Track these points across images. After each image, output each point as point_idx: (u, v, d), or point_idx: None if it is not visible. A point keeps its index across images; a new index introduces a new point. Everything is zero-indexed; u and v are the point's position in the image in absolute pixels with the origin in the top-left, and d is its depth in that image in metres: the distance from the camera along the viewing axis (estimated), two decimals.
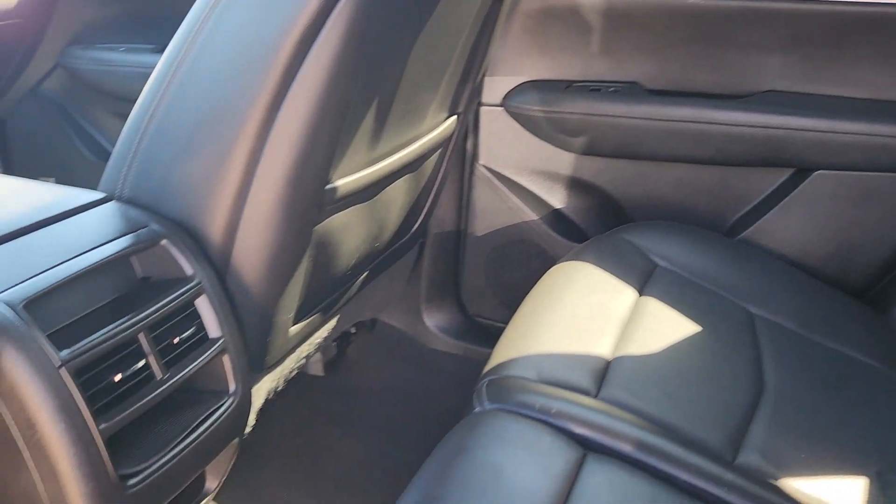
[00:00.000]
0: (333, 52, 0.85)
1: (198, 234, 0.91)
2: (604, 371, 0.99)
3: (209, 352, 0.87)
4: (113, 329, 0.76)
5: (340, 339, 1.68)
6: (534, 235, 1.59)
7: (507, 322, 1.13)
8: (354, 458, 1.47)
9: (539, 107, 1.48)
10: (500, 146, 1.56)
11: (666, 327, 1.10)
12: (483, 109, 1.55)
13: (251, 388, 0.96)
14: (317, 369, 1.65)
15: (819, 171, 1.40)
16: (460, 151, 1.58)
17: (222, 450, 0.92)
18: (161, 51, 0.95)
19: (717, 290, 1.24)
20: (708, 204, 1.49)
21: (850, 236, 1.42)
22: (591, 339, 1.04)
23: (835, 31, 1.35)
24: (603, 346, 1.03)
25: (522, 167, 1.57)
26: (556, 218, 1.59)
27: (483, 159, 1.58)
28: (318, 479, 1.41)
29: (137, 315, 0.79)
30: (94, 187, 0.96)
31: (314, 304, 1.16)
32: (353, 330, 1.71)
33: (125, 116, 0.95)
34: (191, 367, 0.84)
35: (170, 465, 0.81)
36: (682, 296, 1.19)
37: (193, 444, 0.84)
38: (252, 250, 0.92)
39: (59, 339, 0.73)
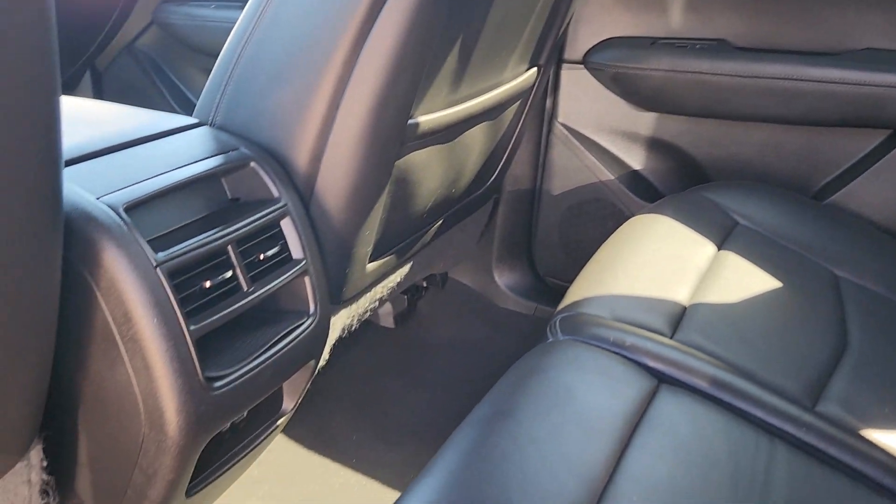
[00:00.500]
0: None
1: (284, 160, 0.94)
2: (679, 316, 0.97)
3: (292, 271, 0.90)
4: (205, 238, 0.80)
5: (411, 293, 1.71)
6: (609, 195, 1.57)
7: None
8: (422, 408, 1.49)
9: (621, 63, 1.46)
10: (579, 105, 1.55)
11: (746, 281, 1.08)
12: (564, 67, 1.54)
13: (329, 316, 0.99)
14: (388, 322, 1.68)
15: None
16: (539, 109, 1.58)
17: (300, 368, 0.95)
18: None
19: (801, 250, 1.20)
20: (794, 167, 1.45)
21: None
22: (667, 285, 1.02)
23: None
24: (679, 293, 1.02)
25: (601, 126, 1.55)
26: (633, 178, 1.57)
27: (561, 117, 1.57)
28: (386, 424, 1.44)
29: (227, 228, 0.83)
30: None
31: (391, 245, 1.19)
32: (424, 284, 1.74)
33: None
34: (274, 283, 0.87)
35: (252, 374, 0.84)
36: (763, 253, 1.16)
37: (274, 358, 0.87)
38: (335, 178, 0.95)
39: (156, 244, 0.77)
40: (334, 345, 1.23)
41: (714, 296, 1.02)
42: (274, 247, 0.89)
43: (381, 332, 1.69)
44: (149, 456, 0.79)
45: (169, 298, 0.74)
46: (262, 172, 0.90)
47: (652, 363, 0.84)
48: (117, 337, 0.74)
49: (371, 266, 1.13)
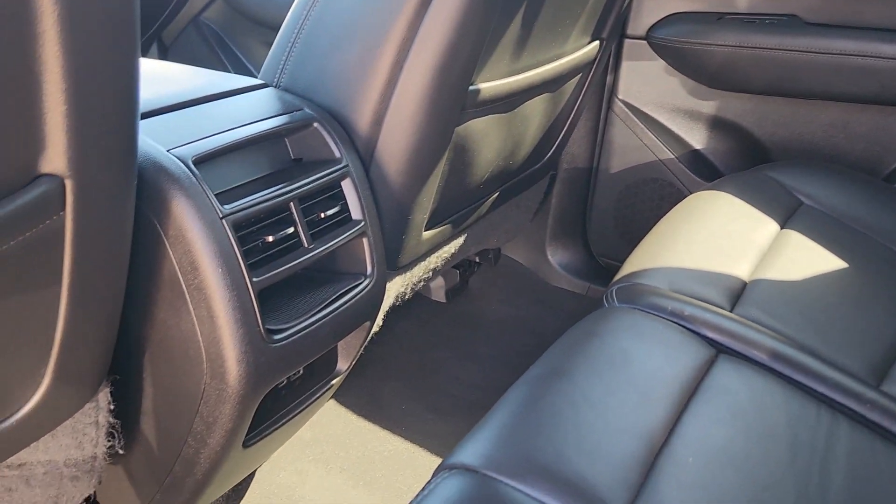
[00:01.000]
0: None
1: (347, 122, 0.95)
2: (739, 291, 0.96)
3: (351, 231, 0.91)
4: (269, 193, 0.82)
5: (464, 269, 1.71)
6: (668, 175, 1.55)
7: None
8: (471, 381, 1.50)
9: (686, 39, 1.43)
10: (641, 81, 1.53)
11: (809, 259, 1.05)
12: (626, 42, 1.51)
13: (385, 280, 1.00)
14: (439, 296, 1.69)
15: None
16: (599, 85, 1.56)
17: (355, 329, 0.96)
18: None
19: (868, 232, 1.17)
20: (863, 149, 1.40)
21: None
22: (727, 260, 1.01)
23: None
24: (740, 268, 1.00)
25: (662, 104, 1.53)
26: (693, 158, 1.54)
27: (622, 94, 1.54)
28: (436, 395, 1.45)
29: (290, 185, 0.84)
30: None
31: (446, 214, 1.19)
32: (476, 260, 1.74)
33: None
34: (334, 242, 0.88)
35: (309, 329, 0.86)
36: (827, 233, 1.13)
37: (331, 316, 0.89)
38: (396, 142, 0.96)
39: (221, 198, 0.79)
40: (387, 313, 1.24)
41: (776, 273, 0.99)
42: (334, 206, 0.90)
43: (433, 306, 1.70)
44: (209, 404, 0.81)
45: (234, 250, 0.76)
46: (324, 133, 0.91)
47: (710, 334, 0.82)
48: (183, 285, 0.76)
49: (427, 234, 1.14)
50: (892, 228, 1.18)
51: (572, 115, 1.45)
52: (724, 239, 1.06)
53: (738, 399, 0.71)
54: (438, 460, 1.34)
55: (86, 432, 0.82)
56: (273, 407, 0.93)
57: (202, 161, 0.79)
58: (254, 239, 0.81)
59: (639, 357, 0.73)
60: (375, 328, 1.11)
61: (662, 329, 0.80)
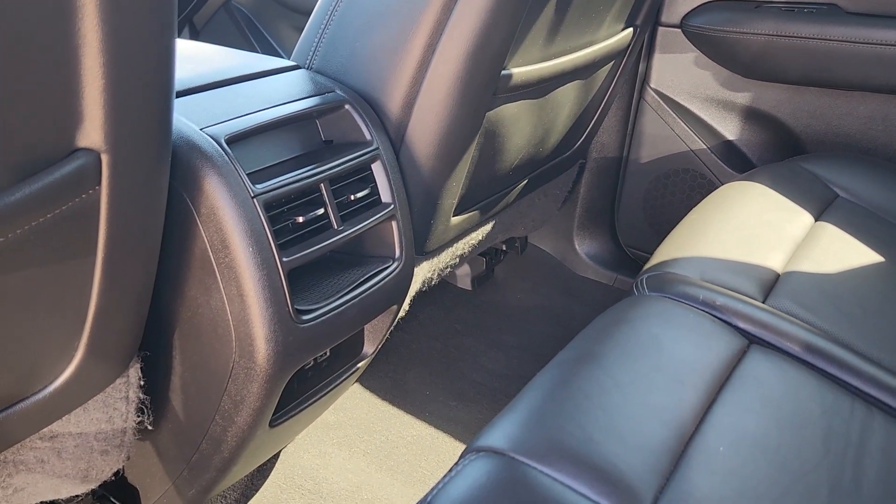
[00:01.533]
0: None
1: (378, 104, 0.95)
2: (772, 282, 0.94)
3: (380, 214, 0.91)
4: (299, 174, 0.82)
5: (490, 257, 1.71)
6: (700, 166, 1.53)
7: None
8: (496, 368, 1.50)
9: (721, 27, 1.41)
10: (674, 70, 1.51)
11: (844, 252, 1.03)
12: (660, 30, 1.49)
13: (413, 264, 1.00)
14: (465, 283, 1.69)
15: None
16: (631, 73, 1.54)
17: (383, 312, 0.96)
18: None
19: None
20: None
21: None
22: (760, 251, 0.99)
23: None
24: (773, 260, 0.98)
25: (695, 93, 1.51)
26: (726, 149, 1.52)
27: (654, 82, 1.53)
28: (460, 382, 1.45)
29: (321, 166, 0.85)
30: None
31: (475, 201, 1.19)
32: (503, 248, 1.73)
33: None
34: (363, 224, 0.88)
35: (337, 311, 0.86)
36: (863, 226, 1.11)
37: (359, 298, 0.89)
38: (427, 125, 0.95)
39: (253, 177, 0.79)
40: (412, 300, 1.24)
41: (810, 265, 0.98)
42: (364, 189, 0.90)
43: (459, 293, 1.69)
44: (238, 382, 0.81)
45: (264, 229, 0.77)
46: (355, 115, 0.91)
47: (742, 324, 0.81)
48: (214, 264, 0.77)
49: (455, 220, 1.14)
50: None
51: (603, 104, 1.43)
52: (757, 230, 1.04)
53: (770, 389, 0.70)
54: (461, 447, 1.34)
55: (116, 406, 0.83)
56: (300, 388, 0.93)
57: (235, 140, 0.79)
58: (284, 219, 0.81)
59: (669, 344, 0.72)
60: (402, 313, 1.11)
61: (693, 318, 0.79)
